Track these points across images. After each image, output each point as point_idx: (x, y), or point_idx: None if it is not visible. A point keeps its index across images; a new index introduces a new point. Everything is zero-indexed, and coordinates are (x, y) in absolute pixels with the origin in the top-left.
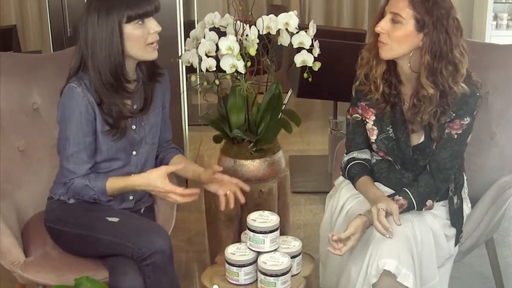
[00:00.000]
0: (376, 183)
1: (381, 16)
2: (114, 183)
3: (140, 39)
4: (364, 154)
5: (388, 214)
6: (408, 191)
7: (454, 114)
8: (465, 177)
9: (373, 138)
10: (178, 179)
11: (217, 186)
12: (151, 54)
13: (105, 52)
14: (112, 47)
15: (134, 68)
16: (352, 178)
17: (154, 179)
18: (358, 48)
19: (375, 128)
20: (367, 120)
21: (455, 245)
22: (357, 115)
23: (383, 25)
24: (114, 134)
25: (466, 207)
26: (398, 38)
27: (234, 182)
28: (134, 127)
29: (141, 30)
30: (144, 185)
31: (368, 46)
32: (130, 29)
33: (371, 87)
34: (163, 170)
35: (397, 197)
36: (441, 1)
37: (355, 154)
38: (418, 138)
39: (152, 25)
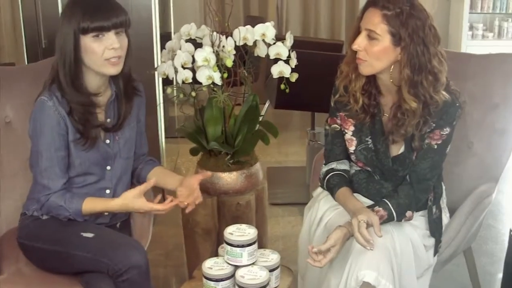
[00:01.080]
0: (355, 194)
1: (357, 31)
2: (90, 206)
3: (96, 53)
4: (343, 165)
5: (368, 225)
6: (387, 202)
7: (434, 125)
8: (443, 187)
9: (351, 148)
10: (154, 189)
11: (183, 192)
12: (109, 69)
13: (61, 59)
14: (65, 55)
15: (98, 80)
16: (331, 189)
17: (131, 200)
18: (336, 59)
19: (354, 138)
20: (346, 131)
21: (434, 255)
22: (336, 126)
23: (360, 43)
24: (84, 143)
25: (445, 217)
26: (376, 54)
27: (195, 197)
28: (108, 141)
29: (97, 44)
30: (123, 208)
31: (347, 60)
32: (87, 42)
33: (351, 99)
34: (137, 190)
35: (376, 208)
36: (415, 12)
37: (333, 165)
38: (397, 149)
39: (110, 41)
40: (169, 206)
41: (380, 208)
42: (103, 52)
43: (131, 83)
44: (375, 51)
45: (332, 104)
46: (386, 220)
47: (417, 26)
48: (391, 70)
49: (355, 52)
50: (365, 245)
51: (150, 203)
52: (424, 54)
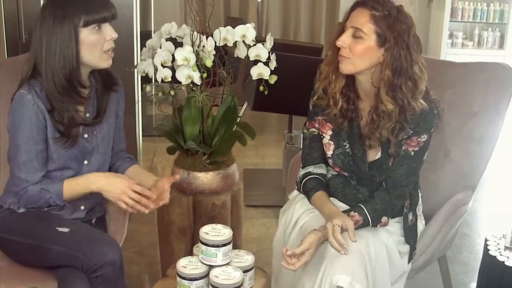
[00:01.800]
0: (331, 198)
1: (342, 30)
2: (71, 184)
3: (96, 45)
4: (320, 169)
5: (343, 230)
6: (363, 207)
7: (411, 131)
8: (420, 194)
9: (329, 153)
10: None
11: (155, 192)
12: (105, 62)
13: (59, 56)
14: (68, 51)
15: (87, 75)
16: (308, 193)
17: (113, 178)
18: (315, 62)
19: (332, 143)
20: (324, 135)
21: (409, 261)
22: (314, 130)
23: (344, 39)
24: (65, 142)
25: (420, 224)
26: (359, 52)
27: (163, 197)
28: (86, 136)
29: (97, 36)
30: (102, 182)
31: (327, 60)
32: (86, 34)
33: (330, 101)
34: (123, 177)
35: (352, 213)
36: (402, 17)
37: (311, 169)
38: (374, 154)
39: (108, 32)
40: (144, 204)
41: (356, 213)
42: (103, 44)
43: (109, 77)
44: (359, 49)
45: (310, 107)
46: (361, 225)
47: (402, 30)
48: (372, 71)
49: (337, 53)
50: (339, 250)
51: (129, 182)
52: (406, 58)
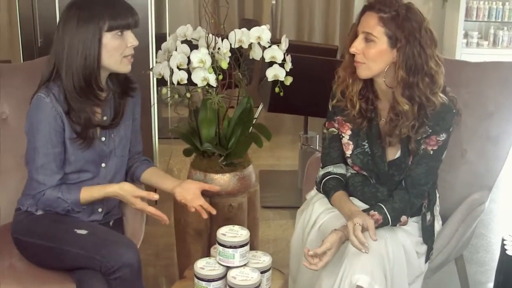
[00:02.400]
0: (350, 198)
1: (354, 36)
2: (88, 193)
3: (117, 50)
4: (340, 169)
5: (364, 229)
6: (383, 206)
7: (430, 130)
8: (437, 194)
9: (348, 152)
10: (147, 188)
11: (184, 194)
12: (125, 67)
13: (81, 57)
14: (90, 52)
15: (105, 78)
16: (327, 193)
17: (128, 193)
18: (330, 64)
19: (351, 142)
20: (343, 135)
21: (426, 262)
22: (334, 129)
23: (357, 45)
24: (81, 143)
25: (437, 224)
26: (373, 56)
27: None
28: (103, 139)
29: (118, 42)
30: (118, 196)
31: (344, 64)
32: (109, 39)
33: (348, 104)
34: (138, 191)
35: (372, 212)
36: (411, 14)
37: (330, 169)
38: (394, 153)
39: (130, 38)
40: (160, 214)
41: (376, 212)
42: (124, 49)
43: (127, 81)
44: (372, 53)
45: (330, 108)
46: (381, 224)
47: (413, 28)
48: (385, 71)
49: (352, 57)
50: (360, 248)
51: (143, 204)
52: (420, 55)
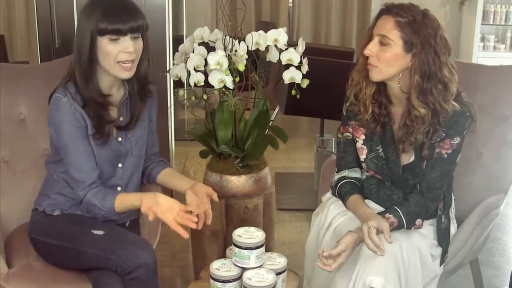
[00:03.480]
0: (366, 200)
1: (369, 38)
2: (122, 201)
3: (109, 55)
4: (355, 173)
5: (379, 232)
6: (398, 209)
7: (444, 134)
8: (453, 197)
9: (362, 157)
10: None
11: (193, 198)
12: (120, 73)
13: (77, 57)
14: (81, 53)
15: (111, 81)
16: (343, 197)
17: (161, 199)
18: (346, 67)
19: (365, 147)
20: (357, 139)
21: (441, 264)
22: (348, 134)
23: (372, 48)
24: (98, 138)
25: (452, 227)
26: (387, 60)
27: (214, 198)
28: (120, 139)
29: (112, 47)
30: (153, 200)
31: (358, 67)
32: (103, 43)
33: (361, 108)
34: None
35: (387, 215)
36: (427, 21)
37: (345, 173)
38: (408, 158)
39: (126, 45)
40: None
41: (391, 215)
42: (117, 55)
43: (145, 86)
44: (387, 56)
45: (344, 112)
46: (396, 227)
47: (429, 34)
48: (400, 77)
49: (366, 60)
50: (375, 251)
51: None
52: (434, 62)
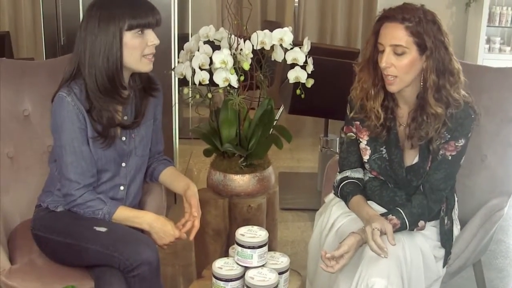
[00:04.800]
0: (369, 202)
1: (373, 48)
2: (123, 211)
3: (137, 49)
4: (357, 173)
5: (382, 233)
6: (401, 211)
7: (449, 136)
8: (456, 199)
9: (366, 157)
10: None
11: (186, 206)
12: (146, 66)
13: (103, 56)
14: (112, 52)
15: (128, 77)
16: (345, 197)
17: (164, 221)
18: (352, 67)
19: (368, 148)
20: (361, 140)
21: (443, 266)
22: (352, 134)
23: (387, 60)
24: (102, 142)
25: (455, 229)
26: (405, 68)
27: (194, 215)
28: (124, 138)
29: (139, 40)
30: (152, 221)
31: (363, 77)
32: (129, 38)
33: (372, 116)
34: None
35: (390, 216)
36: (430, 17)
37: (348, 173)
38: (411, 159)
39: (151, 37)
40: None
41: (394, 217)
42: (144, 48)
43: (150, 81)
44: (404, 64)
45: (347, 111)
46: (399, 229)
47: (436, 31)
48: (421, 79)
49: (373, 68)
50: (379, 253)
51: (178, 230)
52: (445, 56)
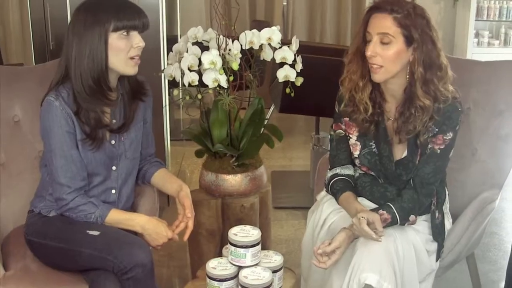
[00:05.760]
0: (359, 198)
1: (362, 39)
2: (116, 213)
3: (122, 50)
4: (347, 170)
5: (369, 223)
6: (391, 205)
7: (437, 129)
8: (447, 192)
9: (356, 153)
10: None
11: (179, 207)
12: (131, 69)
13: (89, 58)
14: (97, 53)
15: (115, 80)
16: (335, 194)
17: (157, 222)
18: (341, 64)
19: (358, 143)
20: (351, 136)
21: (437, 260)
22: (341, 131)
23: (373, 48)
24: (91, 144)
25: (447, 222)
26: (391, 57)
27: (187, 216)
28: (113, 142)
29: (124, 42)
30: (146, 223)
31: (351, 68)
32: (114, 39)
33: (360, 108)
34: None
35: (380, 211)
36: (419, 11)
37: (338, 170)
38: (401, 153)
39: (136, 40)
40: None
41: (384, 212)
42: (129, 50)
43: (139, 85)
44: (390, 54)
45: (336, 109)
46: (390, 223)
47: (424, 25)
48: (407, 71)
49: (363, 61)
50: (371, 236)
51: (170, 231)
52: (433, 51)
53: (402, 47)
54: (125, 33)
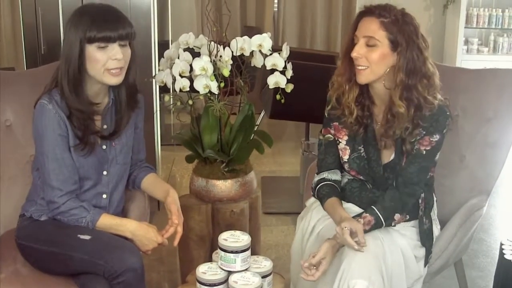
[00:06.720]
0: (348, 204)
1: (351, 42)
2: (107, 218)
3: (98, 62)
4: (334, 175)
5: (352, 233)
6: (374, 207)
7: (424, 132)
8: (435, 198)
9: (345, 157)
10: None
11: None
12: (110, 80)
13: (65, 66)
14: (70, 62)
15: (99, 88)
16: (321, 199)
17: (147, 227)
18: (331, 71)
19: (348, 147)
20: (340, 140)
21: (425, 266)
22: (330, 136)
23: (359, 50)
24: (82, 149)
25: (436, 228)
26: (376, 60)
27: (175, 222)
28: (104, 147)
29: (100, 54)
30: (136, 228)
31: (339, 71)
32: (91, 51)
33: (345, 111)
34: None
35: (364, 214)
36: (408, 19)
37: (325, 175)
38: (388, 156)
39: (114, 52)
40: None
41: (367, 214)
42: (106, 62)
43: (134, 94)
44: (375, 56)
45: (326, 115)
46: (375, 225)
47: (411, 32)
48: (385, 74)
49: (349, 63)
50: (353, 246)
51: (161, 236)
52: (418, 58)
53: (387, 51)
54: (101, 45)
